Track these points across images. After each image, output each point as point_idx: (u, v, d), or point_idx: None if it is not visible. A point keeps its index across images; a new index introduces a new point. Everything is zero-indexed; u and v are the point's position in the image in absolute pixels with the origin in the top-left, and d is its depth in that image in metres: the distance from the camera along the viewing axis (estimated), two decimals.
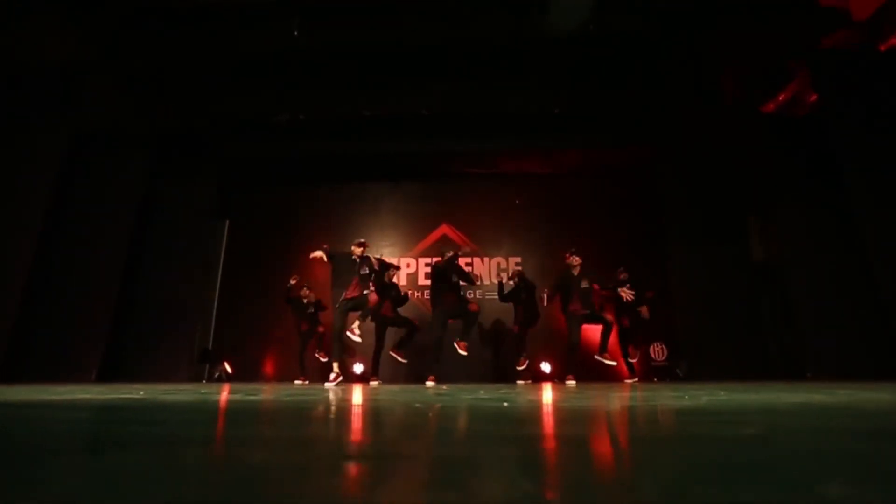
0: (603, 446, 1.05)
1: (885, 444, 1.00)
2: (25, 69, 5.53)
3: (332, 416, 1.67)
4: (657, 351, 7.15)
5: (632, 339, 6.23)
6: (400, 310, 6.14)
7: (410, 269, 7.82)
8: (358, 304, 4.99)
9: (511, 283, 6.30)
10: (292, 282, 6.57)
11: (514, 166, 8.06)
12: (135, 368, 6.52)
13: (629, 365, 6.17)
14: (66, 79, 5.68)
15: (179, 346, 6.89)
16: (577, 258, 5.55)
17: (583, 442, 1.08)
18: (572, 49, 5.90)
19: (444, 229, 8.02)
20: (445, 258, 5.49)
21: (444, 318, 5.27)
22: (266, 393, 3.12)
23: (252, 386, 4.66)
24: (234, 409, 1.95)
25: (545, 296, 5.83)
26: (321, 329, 6.62)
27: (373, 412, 1.82)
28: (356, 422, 1.50)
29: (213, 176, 7.67)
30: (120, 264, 6.51)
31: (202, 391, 3.27)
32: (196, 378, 7.07)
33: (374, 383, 5.43)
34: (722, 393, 2.63)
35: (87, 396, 2.61)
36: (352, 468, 0.78)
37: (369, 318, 5.27)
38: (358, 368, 7.07)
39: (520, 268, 6.95)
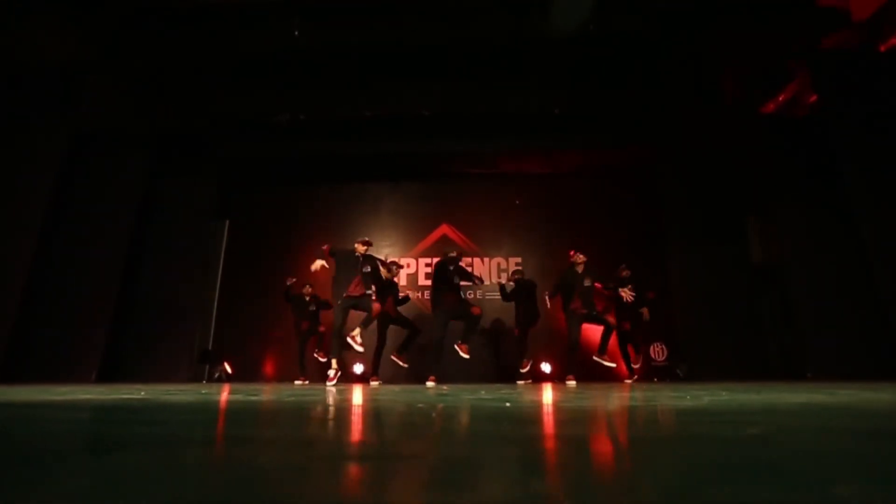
0: (608, 447, 1.05)
1: (887, 445, 1.00)
2: (25, 69, 5.54)
3: (335, 418, 1.67)
4: (657, 351, 7.15)
5: (632, 340, 6.22)
6: (400, 309, 6.14)
7: (410, 270, 7.82)
8: (359, 304, 4.96)
9: (511, 283, 6.29)
10: (289, 282, 6.57)
11: (514, 166, 8.06)
12: (135, 368, 6.52)
13: (629, 366, 6.17)
14: (66, 79, 5.68)
15: (179, 347, 6.89)
16: (581, 256, 5.55)
17: (588, 442, 1.08)
18: (572, 49, 5.91)
19: (444, 229, 8.02)
20: (447, 258, 5.47)
21: (445, 318, 5.26)
22: (267, 393, 3.12)
23: (253, 386, 4.66)
24: (236, 409, 1.95)
25: (546, 297, 5.80)
26: (322, 329, 6.61)
27: (376, 413, 1.82)
28: (360, 423, 1.50)
29: (213, 176, 7.68)
30: (120, 264, 6.51)
31: (203, 391, 3.27)
32: (196, 378, 7.07)
33: (374, 383, 5.42)
34: (723, 393, 2.63)
35: (89, 397, 2.61)
36: (357, 469, 0.78)
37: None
38: (358, 369, 7.07)
39: (520, 268, 6.95)
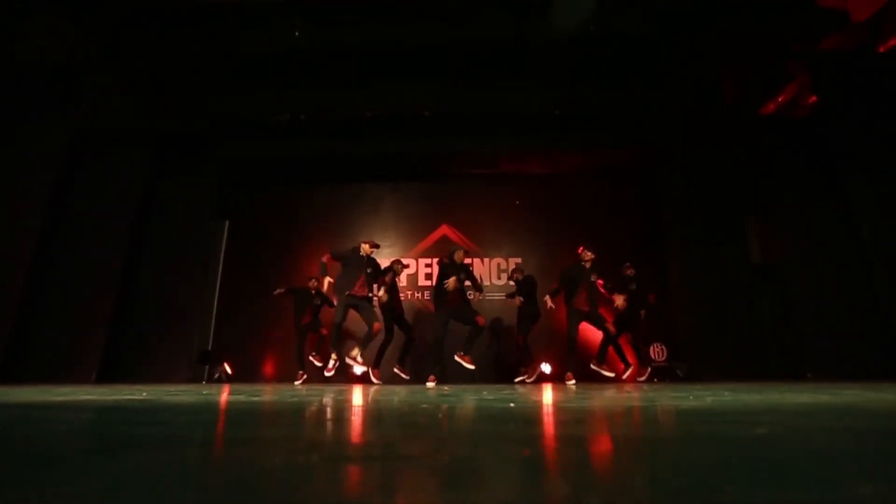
0: (614, 447, 1.05)
1: (893, 445, 1.00)
2: (25, 69, 5.52)
3: (340, 418, 1.67)
4: (657, 351, 7.15)
5: (631, 341, 6.22)
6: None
7: (410, 270, 7.82)
8: (359, 306, 5.03)
9: (511, 283, 6.28)
10: (311, 285, 6.52)
11: (515, 167, 8.06)
12: (134, 369, 6.51)
13: (624, 360, 6.10)
14: (65, 78, 5.67)
15: (179, 347, 6.87)
16: (589, 253, 5.55)
17: (592, 443, 1.08)
18: (572, 49, 5.91)
19: (444, 230, 8.02)
20: (454, 256, 5.41)
21: (446, 318, 5.24)
22: (268, 394, 3.11)
23: (253, 387, 4.65)
24: (238, 410, 1.95)
25: (547, 298, 5.76)
26: (323, 330, 6.56)
27: (379, 413, 1.81)
28: (364, 423, 1.50)
29: (213, 176, 7.66)
30: (119, 264, 6.50)
31: (204, 392, 3.27)
32: (195, 379, 7.06)
33: (374, 382, 5.42)
34: (726, 393, 2.63)
35: (90, 397, 2.60)
36: (363, 469, 0.78)
37: (377, 311, 5.35)
38: (358, 370, 7.04)
39: (520, 267, 6.94)
